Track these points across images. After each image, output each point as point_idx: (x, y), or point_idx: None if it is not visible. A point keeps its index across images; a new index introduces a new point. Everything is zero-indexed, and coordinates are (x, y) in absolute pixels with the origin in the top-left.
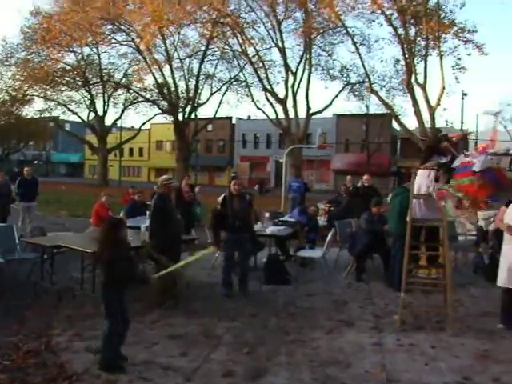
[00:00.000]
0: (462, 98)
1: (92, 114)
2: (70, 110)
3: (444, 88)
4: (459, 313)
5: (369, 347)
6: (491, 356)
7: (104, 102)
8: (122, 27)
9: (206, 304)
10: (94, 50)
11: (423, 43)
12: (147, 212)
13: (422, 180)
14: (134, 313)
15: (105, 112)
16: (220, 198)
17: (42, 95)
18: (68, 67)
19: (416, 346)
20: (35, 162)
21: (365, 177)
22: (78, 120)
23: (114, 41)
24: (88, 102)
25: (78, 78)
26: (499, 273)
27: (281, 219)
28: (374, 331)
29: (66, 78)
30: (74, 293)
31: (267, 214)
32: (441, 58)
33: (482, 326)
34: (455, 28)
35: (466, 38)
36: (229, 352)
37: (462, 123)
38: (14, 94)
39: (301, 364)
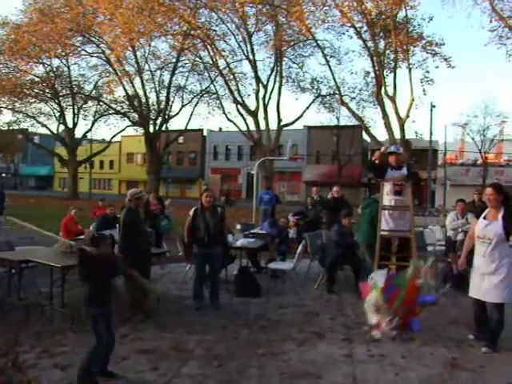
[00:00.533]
0: (431, 110)
1: (62, 127)
2: (39, 122)
3: (413, 100)
4: (428, 322)
5: (340, 359)
6: (459, 364)
7: (74, 114)
8: (92, 39)
9: (176, 318)
10: (64, 61)
11: (392, 56)
12: (117, 225)
13: (385, 196)
14: None
15: (75, 124)
16: (191, 211)
17: (10, 107)
18: (37, 79)
19: (386, 357)
20: (3, 174)
21: (334, 188)
22: (48, 132)
23: (83, 52)
24: (58, 114)
25: (47, 90)
26: (470, 284)
27: (251, 231)
28: (345, 342)
29: (35, 90)
30: (43, 308)
31: (238, 226)
32: (410, 71)
33: (451, 335)
34: (423, 41)
35: (433, 50)
36: (200, 366)
37: (430, 134)
38: None
39: (272, 377)
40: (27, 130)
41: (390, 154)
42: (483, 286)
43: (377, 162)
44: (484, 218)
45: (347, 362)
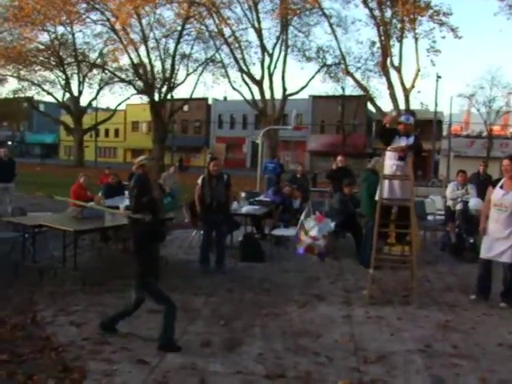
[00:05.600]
0: (437, 81)
1: (67, 95)
2: (44, 90)
3: (419, 70)
4: (425, 287)
5: (338, 319)
6: (452, 326)
7: (79, 82)
8: (97, 6)
9: (184, 280)
10: (68, 29)
11: (399, 25)
12: (125, 192)
13: (388, 161)
14: (115, 289)
15: (80, 92)
16: (199, 180)
17: (15, 75)
18: (42, 47)
19: (383, 318)
20: (9, 142)
21: (339, 158)
22: (53, 100)
23: (88, 20)
24: (63, 82)
25: (52, 58)
26: (482, 247)
27: (256, 199)
28: (343, 305)
29: (40, 58)
30: (56, 271)
31: (243, 194)
32: (416, 41)
33: (446, 300)
34: (431, 11)
35: (440, 20)
36: (206, 324)
37: (436, 105)
38: None
39: (274, 335)
40: (32, 98)
41: (399, 123)
42: (497, 248)
43: (387, 125)
44: (501, 188)
45: (345, 322)
